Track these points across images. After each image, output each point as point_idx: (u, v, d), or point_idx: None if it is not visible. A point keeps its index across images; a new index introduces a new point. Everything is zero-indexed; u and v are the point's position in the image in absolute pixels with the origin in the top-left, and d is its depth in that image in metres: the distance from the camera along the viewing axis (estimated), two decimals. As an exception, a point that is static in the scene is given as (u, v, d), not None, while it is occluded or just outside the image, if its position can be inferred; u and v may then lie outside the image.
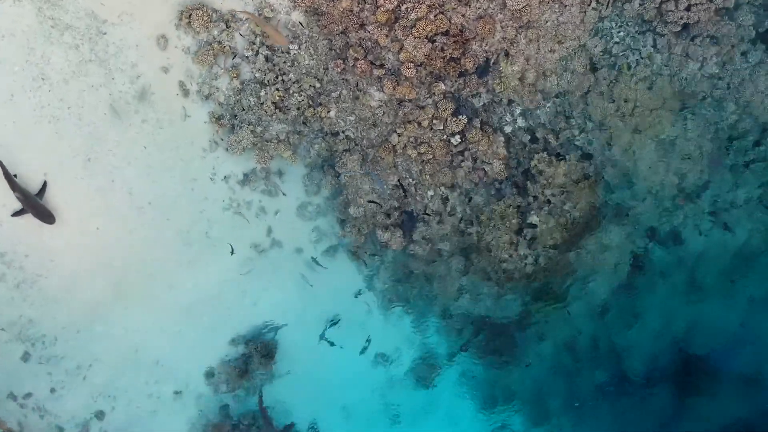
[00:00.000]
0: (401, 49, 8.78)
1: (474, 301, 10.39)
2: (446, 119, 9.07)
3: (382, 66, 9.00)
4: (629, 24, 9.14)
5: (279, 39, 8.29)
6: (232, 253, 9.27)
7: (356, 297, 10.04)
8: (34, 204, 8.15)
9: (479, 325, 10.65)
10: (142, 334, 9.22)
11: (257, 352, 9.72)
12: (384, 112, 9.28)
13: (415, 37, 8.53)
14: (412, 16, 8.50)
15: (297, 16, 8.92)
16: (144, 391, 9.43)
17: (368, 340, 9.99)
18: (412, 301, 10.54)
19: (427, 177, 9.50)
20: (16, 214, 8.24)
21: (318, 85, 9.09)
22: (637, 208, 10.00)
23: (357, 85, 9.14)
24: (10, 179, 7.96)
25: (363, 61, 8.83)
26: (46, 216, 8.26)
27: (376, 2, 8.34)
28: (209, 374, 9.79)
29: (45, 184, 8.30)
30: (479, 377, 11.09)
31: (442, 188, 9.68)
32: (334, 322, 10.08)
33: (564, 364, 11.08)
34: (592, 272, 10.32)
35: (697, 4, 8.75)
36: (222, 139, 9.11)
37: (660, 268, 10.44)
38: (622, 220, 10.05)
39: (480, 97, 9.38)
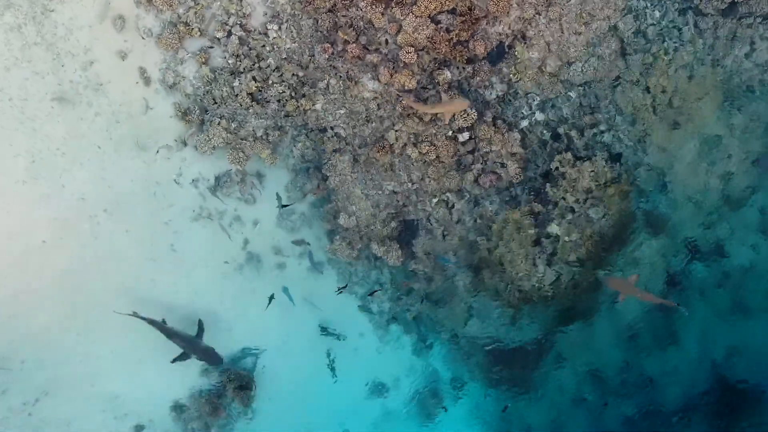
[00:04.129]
0: (399, 30, 8.47)
1: (485, 324, 10.10)
2: (453, 113, 8.71)
3: (377, 50, 8.71)
4: (667, 2, 8.73)
5: (459, 105, 8.37)
6: (271, 300, 9.21)
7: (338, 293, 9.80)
8: (197, 348, 8.71)
9: (490, 350, 10.38)
10: (97, 364, 8.94)
11: (232, 383, 9.45)
12: (379, 105, 8.94)
13: (416, 17, 8.23)
14: (413, -9, 8.29)
15: (277, -8, 8.66)
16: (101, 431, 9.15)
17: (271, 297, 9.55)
18: (413, 323, 10.34)
19: (431, 181, 9.20)
20: (177, 359, 8.70)
21: (301, 73, 8.83)
22: (675, 216, 9.66)
23: (347, 73, 8.81)
24: (164, 329, 8.48)
25: (354, 44, 8.54)
26: (214, 358, 8.85)
27: (370, -25, 8.16)
28: (177, 408, 9.45)
29: (201, 324, 8.79)
30: (490, 409, 10.84)
31: (448, 194, 9.40)
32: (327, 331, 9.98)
33: (587, 394, 10.84)
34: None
35: (747, -22, 8.48)
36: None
37: (699, 285, 10.15)
38: (657, 230, 9.67)
39: (492, 87, 9.02)
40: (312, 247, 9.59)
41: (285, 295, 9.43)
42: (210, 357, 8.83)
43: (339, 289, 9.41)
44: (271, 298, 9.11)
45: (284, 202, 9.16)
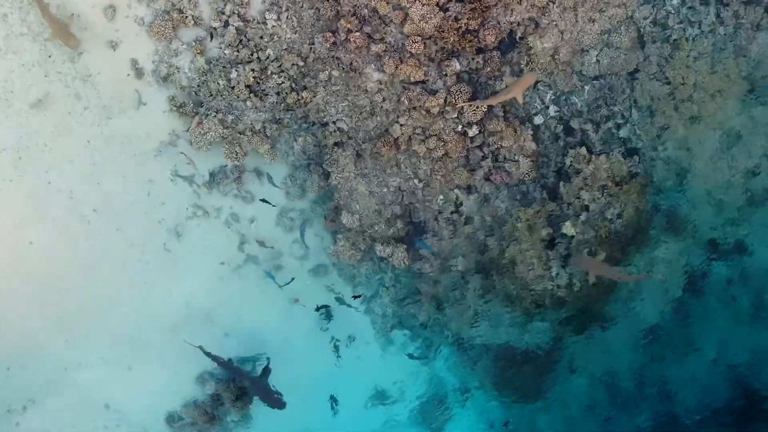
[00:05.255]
0: (405, 19, 8.32)
1: (494, 329, 9.91)
2: (461, 106, 8.62)
3: (381, 40, 8.55)
4: (688, -12, 8.57)
5: (530, 79, 8.20)
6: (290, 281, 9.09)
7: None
8: (262, 390, 8.74)
9: (499, 356, 10.16)
10: (87, 372, 8.87)
11: (229, 392, 9.20)
12: (384, 98, 8.80)
13: (423, 4, 8.07)
14: (419, -24, 8.11)
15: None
16: (92, 441, 9.06)
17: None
18: (417, 327, 10.12)
19: (438, 178, 9.05)
20: (238, 398, 8.97)
21: (302, 64, 8.71)
22: (694, 215, 9.43)
23: (351, 64, 8.67)
24: (231, 368, 8.65)
25: (358, 34, 8.37)
26: (276, 403, 8.82)
27: (375, -40, 7.97)
28: (171, 419, 9.27)
29: (268, 362, 8.85)
30: (498, 418, 10.62)
31: (456, 191, 9.27)
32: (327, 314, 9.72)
33: (600, 402, 10.58)
34: (638, 294, 9.77)
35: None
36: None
37: (720, 287, 9.86)
38: (676, 230, 9.46)
39: (503, 79, 8.86)
40: (281, 252, 9.38)
41: (268, 277, 9.21)
42: (272, 400, 8.75)
43: (319, 307, 9.38)
44: (291, 279, 9.02)
45: (267, 199, 8.97)
